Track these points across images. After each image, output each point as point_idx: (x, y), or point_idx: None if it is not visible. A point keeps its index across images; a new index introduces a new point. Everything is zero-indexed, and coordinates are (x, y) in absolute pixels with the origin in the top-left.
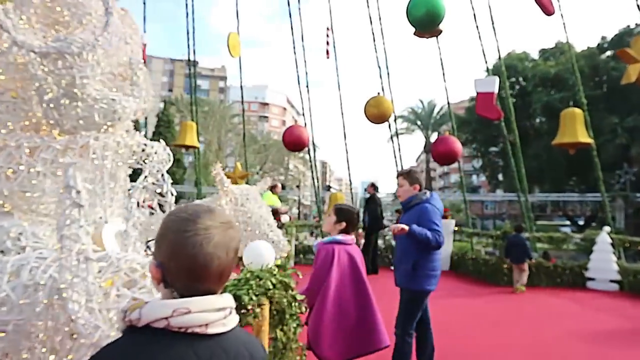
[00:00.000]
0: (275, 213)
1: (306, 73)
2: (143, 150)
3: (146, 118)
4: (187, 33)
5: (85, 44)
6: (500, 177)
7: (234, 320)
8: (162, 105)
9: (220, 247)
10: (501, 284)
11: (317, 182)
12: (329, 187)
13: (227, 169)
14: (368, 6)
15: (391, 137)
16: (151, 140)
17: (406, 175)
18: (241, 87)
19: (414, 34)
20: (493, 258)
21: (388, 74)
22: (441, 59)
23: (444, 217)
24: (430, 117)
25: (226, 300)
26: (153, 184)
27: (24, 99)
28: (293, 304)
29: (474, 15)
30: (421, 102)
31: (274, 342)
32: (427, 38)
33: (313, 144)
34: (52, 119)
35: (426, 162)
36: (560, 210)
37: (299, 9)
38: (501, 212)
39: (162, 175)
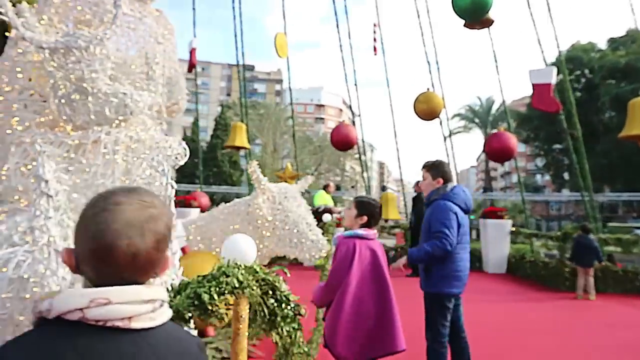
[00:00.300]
0: (329, 212)
1: (354, 71)
2: (157, 145)
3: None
4: (235, 36)
5: (92, 38)
6: (566, 175)
7: (164, 314)
8: (219, 109)
9: (133, 226)
10: (562, 289)
11: (367, 182)
12: (384, 188)
13: (283, 170)
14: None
15: (444, 137)
16: (209, 143)
17: (429, 167)
18: (289, 87)
19: (464, 25)
20: (553, 261)
21: (438, 68)
22: (494, 51)
23: (499, 217)
24: (488, 114)
25: (155, 291)
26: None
27: (42, 96)
28: (284, 305)
29: (528, 3)
30: (479, 99)
31: (277, 348)
32: (479, 29)
33: (363, 142)
34: (64, 114)
35: (485, 162)
36: (635, 211)
37: (345, 6)
38: (568, 213)
39: (163, 169)
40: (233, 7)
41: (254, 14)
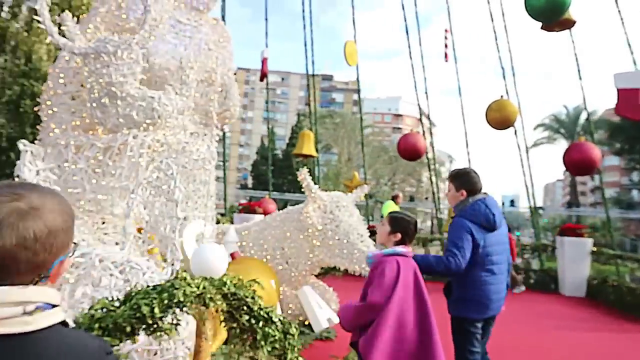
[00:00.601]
0: None
1: (425, 79)
2: (183, 149)
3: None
4: (305, 45)
5: (120, 43)
6: None
7: (48, 318)
8: (296, 118)
9: None
10: None
11: (436, 193)
12: None
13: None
14: (489, 2)
15: (519, 148)
16: (284, 151)
17: (453, 177)
18: (359, 95)
19: (542, 28)
20: None
21: (513, 74)
22: (576, 55)
23: (578, 234)
24: (575, 124)
25: (33, 293)
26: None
27: (81, 101)
28: (263, 323)
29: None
30: (565, 107)
31: None
32: (558, 31)
33: (433, 150)
34: (96, 117)
35: (572, 175)
36: None
37: (416, 12)
38: None
39: (171, 172)
40: (303, 17)
41: (334, 24)
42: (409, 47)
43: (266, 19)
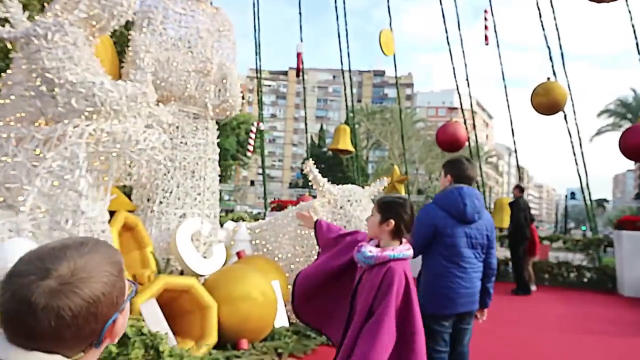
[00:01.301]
0: None
1: (465, 65)
2: (130, 138)
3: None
4: (339, 36)
5: (51, 25)
6: None
7: None
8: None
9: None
10: None
11: (482, 186)
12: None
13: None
14: None
15: (570, 134)
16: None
17: (444, 164)
18: (397, 88)
19: None
20: None
21: (562, 54)
22: (633, 26)
23: (635, 228)
24: None
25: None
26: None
27: (28, 92)
28: None
29: None
30: (633, 90)
31: None
32: (608, 2)
33: (475, 142)
34: (35, 107)
35: None
36: None
37: (456, 4)
38: None
39: (78, 160)
40: (337, 16)
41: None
42: (460, 37)
43: (300, 13)
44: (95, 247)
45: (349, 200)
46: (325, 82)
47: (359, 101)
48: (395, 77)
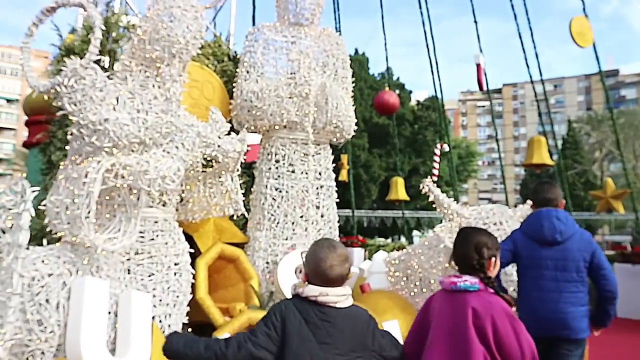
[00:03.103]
0: None
1: None
2: (141, 169)
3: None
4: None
5: (68, 71)
6: None
7: (349, 301)
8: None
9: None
10: None
11: None
12: None
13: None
14: None
15: None
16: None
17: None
18: (600, 76)
19: None
20: None
21: None
22: None
23: None
24: None
25: (346, 290)
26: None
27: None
28: None
29: None
30: None
31: None
32: None
33: None
34: (71, 149)
35: None
36: None
37: None
38: None
39: (26, 194)
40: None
41: (617, 12)
42: None
43: (475, 22)
44: None
45: (485, 224)
46: (547, 93)
47: (589, 109)
48: (600, 68)
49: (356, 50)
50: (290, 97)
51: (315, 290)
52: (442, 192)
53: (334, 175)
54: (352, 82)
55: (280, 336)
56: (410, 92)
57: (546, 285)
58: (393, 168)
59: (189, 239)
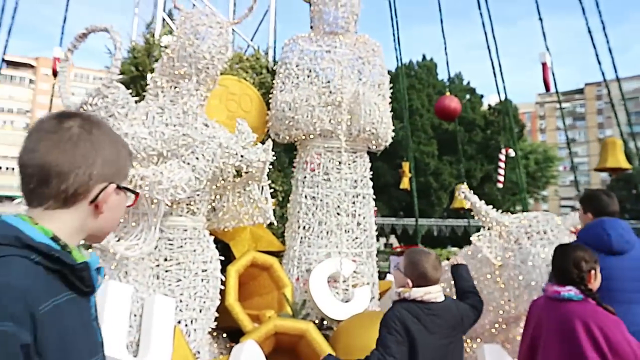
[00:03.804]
0: None
1: None
2: (155, 179)
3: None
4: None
5: (91, 91)
6: None
7: (443, 296)
8: None
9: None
10: None
11: None
12: None
13: None
14: None
15: None
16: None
17: (581, 199)
18: None
19: None
20: None
21: None
22: None
23: None
24: None
25: (439, 288)
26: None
27: None
28: None
29: None
30: None
31: None
32: None
33: None
34: None
35: None
36: None
37: None
38: None
39: None
40: None
41: None
42: None
43: (540, 19)
44: None
45: (527, 232)
46: (635, 92)
47: None
48: None
49: (424, 57)
50: (323, 106)
51: (421, 291)
52: (519, 200)
53: (371, 184)
54: (422, 89)
55: (405, 337)
56: (482, 96)
57: (617, 295)
58: (465, 175)
59: (227, 247)
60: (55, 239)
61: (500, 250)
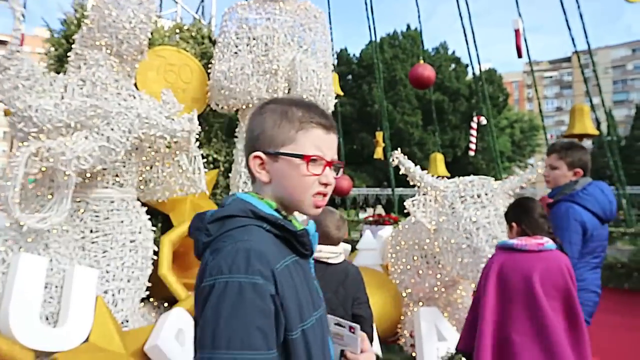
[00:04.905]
0: None
1: None
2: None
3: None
4: None
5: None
6: None
7: (340, 258)
8: None
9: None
10: None
11: None
12: None
13: None
14: None
15: None
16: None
17: (566, 150)
18: None
19: None
20: None
21: None
22: None
23: None
24: None
25: (338, 249)
26: None
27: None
28: None
29: None
30: None
31: None
32: None
33: None
34: (12, 134)
35: None
36: None
37: None
38: None
39: None
40: None
41: None
42: None
43: None
44: None
45: (462, 196)
46: (621, 60)
47: None
48: None
49: (408, 26)
50: (261, 75)
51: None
52: (503, 168)
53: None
54: (406, 59)
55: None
56: (467, 65)
57: (598, 265)
58: (449, 145)
59: (167, 218)
60: (277, 210)
61: (435, 215)
